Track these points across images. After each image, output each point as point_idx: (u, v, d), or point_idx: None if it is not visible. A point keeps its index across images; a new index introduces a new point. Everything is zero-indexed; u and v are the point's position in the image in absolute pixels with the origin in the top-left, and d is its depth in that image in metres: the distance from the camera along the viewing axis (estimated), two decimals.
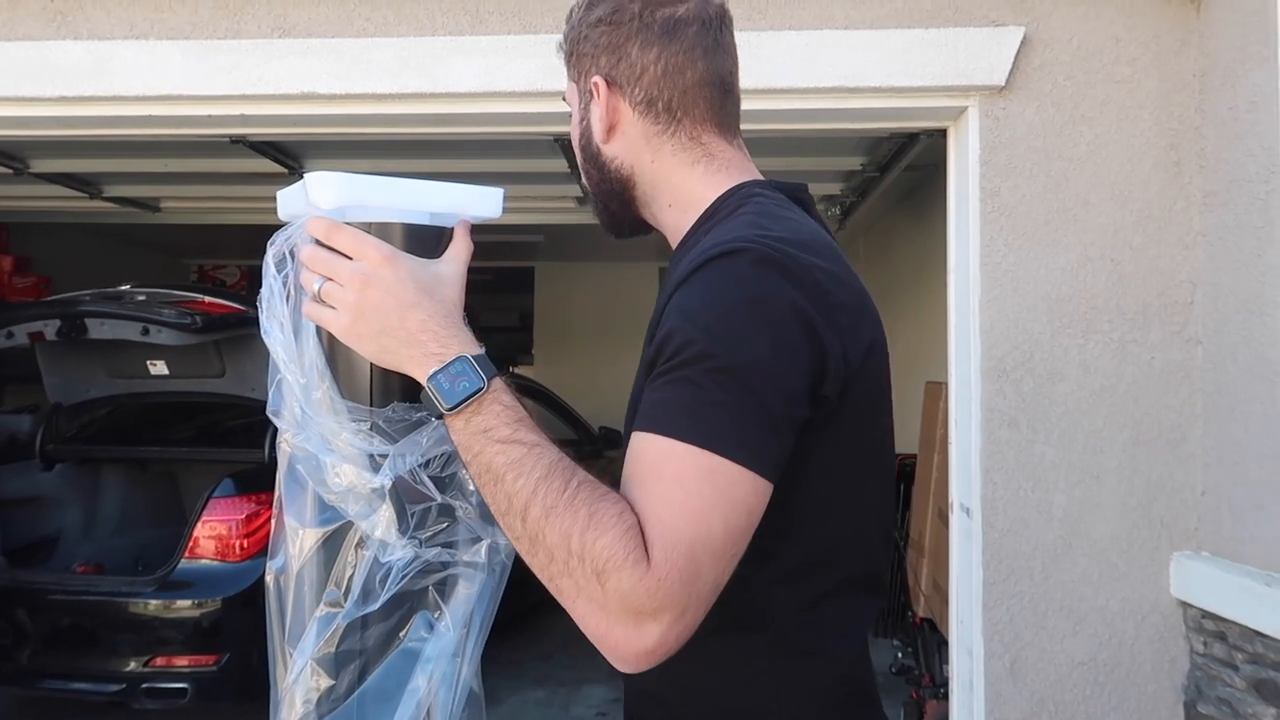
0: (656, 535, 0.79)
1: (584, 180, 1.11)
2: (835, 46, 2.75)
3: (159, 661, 3.28)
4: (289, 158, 4.14)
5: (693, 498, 0.80)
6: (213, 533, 3.35)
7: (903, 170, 4.35)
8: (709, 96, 1.03)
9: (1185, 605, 2.69)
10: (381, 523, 0.85)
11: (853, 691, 1.00)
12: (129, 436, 4.23)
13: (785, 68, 2.71)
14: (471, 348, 0.86)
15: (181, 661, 3.28)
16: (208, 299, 3.79)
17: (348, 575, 0.86)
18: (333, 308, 0.87)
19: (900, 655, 4.41)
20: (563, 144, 3.80)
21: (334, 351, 0.90)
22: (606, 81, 1.02)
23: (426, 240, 0.91)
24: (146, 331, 3.47)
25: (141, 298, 3.72)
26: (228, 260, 8.68)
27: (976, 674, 2.77)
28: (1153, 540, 2.72)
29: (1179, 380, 2.73)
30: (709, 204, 1.02)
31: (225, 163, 4.22)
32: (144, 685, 3.26)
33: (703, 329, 0.83)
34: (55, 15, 2.88)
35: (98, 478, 4.18)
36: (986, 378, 2.76)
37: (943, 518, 3.59)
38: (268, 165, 4.13)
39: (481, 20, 2.84)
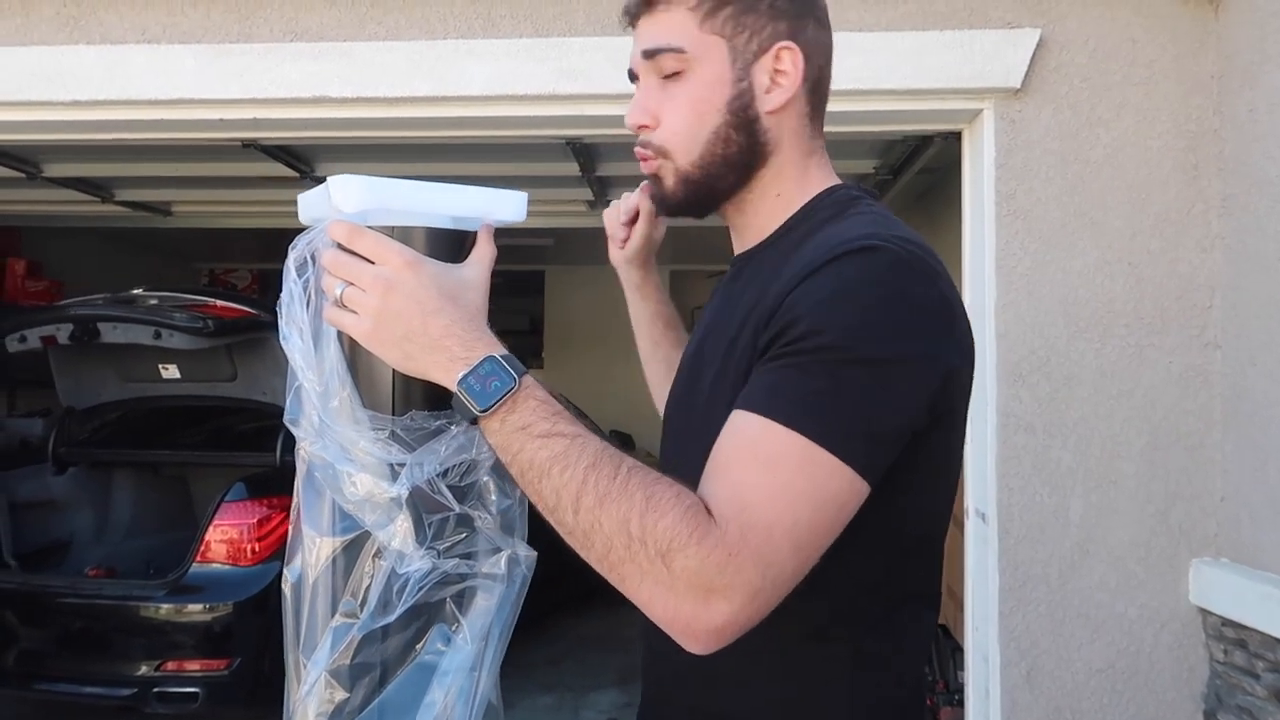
0: (735, 513, 0.78)
1: (703, 146, 0.99)
2: (849, 48, 2.71)
3: (170, 666, 3.27)
4: (300, 162, 4.14)
5: (783, 484, 0.79)
6: (224, 537, 3.35)
7: (916, 173, 4.33)
8: (827, 93, 1.06)
9: (1205, 612, 2.66)
10: (399, 533, 0.83)
11: (917, 706, 1.01)
12: (141, 440, 4.24)
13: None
14: (497, 349, 0.85)
15: (193, 666, 3.27)
16: (219, 303, 3.79)
17: (365, 586, 0.84)
18: (355, 313, 0.85)
19: None
20: (574, 147, 3.80)
21: (355, 357, 0.88)
22: (801, 50, 0.99)
23: (449, 244, 0.90)
24: (159, 335, 3.47)
25: (154, 301, 3.73)
26: (239, 264, 8.69)
27: (992, 681, 2.74)
28: (1171, 547, 2.69)
29: (1198, 385, 2.71)
30: (806, 200, 1.02)
31: (237, 167, 4.23)
32: (155, 689, 3.25)
33: (831, 320, 0.82)
34: (68, 20, 2.89)
35: (109, 481, 4.19)
36: (1003, 382, 2.74)
37: (958, 523, 3.56)
38: (279, 169, 4.13)
39: (494, 24, 2.83)
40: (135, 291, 3.84)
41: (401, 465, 0.83)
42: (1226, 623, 2.57)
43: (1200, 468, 2.69)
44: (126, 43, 2.87)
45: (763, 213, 1.03)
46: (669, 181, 1.01)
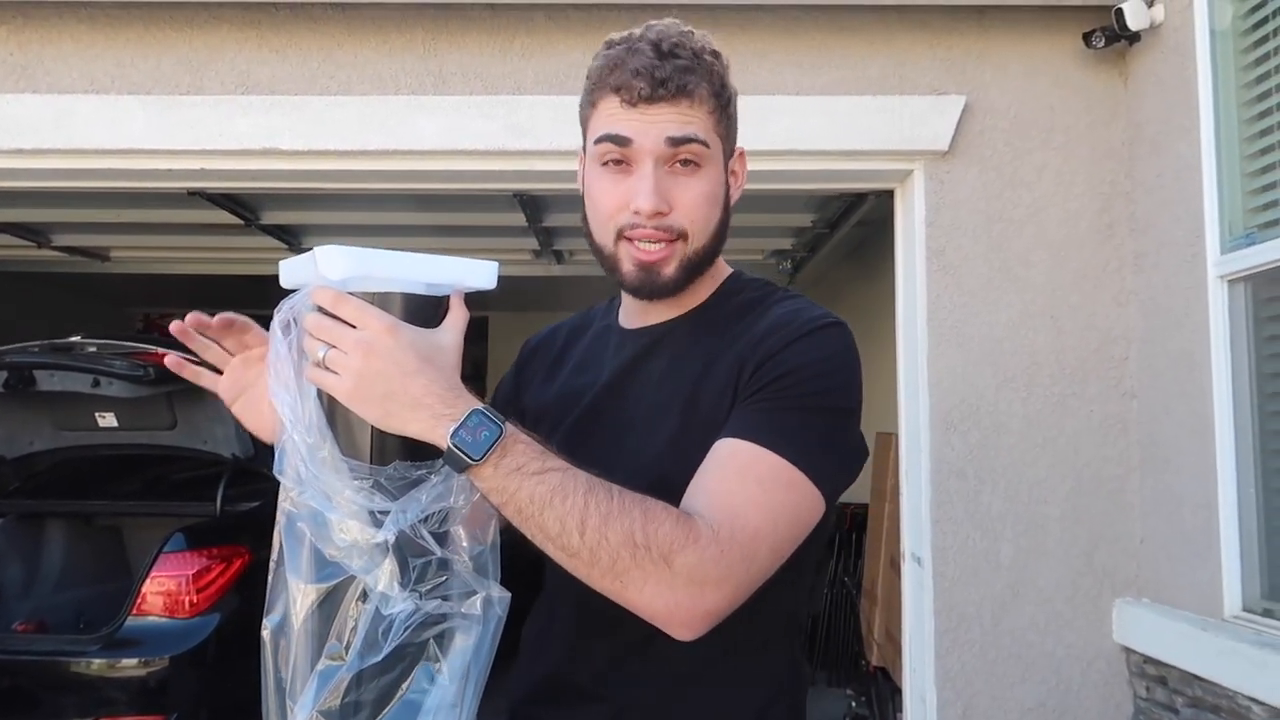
0: (726, 519, 0.92)
1: (707, 235, 1.07)
2: (786, 111, 2.87)
3: None
4: (245, 209, 4.15)
5: (770, 498, 0.95)
6: (161, 588, 3.28)
7: (852, 226, 4.49)
8: None
9: (1128, 650, 2.78)
10: (384, 576, 0.88)
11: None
12: (74, 490, 4.13)
13: (739, 131, 2.80)
14: (476, 402, 0.92)
15: None
16: (160, 350, 3.74)
17: (349, 628, 0.88)
18: (336, 373, 0.90)
19: (854, 704, 4.44)
20: (521, 199, 3.87)
21: (334, 413, 0.93)
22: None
23: (424, 309, 0.95)
24: (98, 383, 3.42)
25: (93, 349, 3.67)
26: (174, 309, 8.52)
27: None
28: (1096, 587, 2.82)
29: (1117, 433, 2.85)
30: (721, 282, 1.16)
31: (180, 214, 4.21)
32: None
33: (816, 375, 1.01)
34: (15, 68, 2.89)
35: (40, 533, 4.06)
36: (935, 429, 2.85)
37: (895, 567, 3.65)
38: (224, 216, 4.14)
39: (444, 81, 2.91)
40: (74, 339, 3.78)
41: (384, 513, 0.88)
42: (1148, 660, 2.68)
43: (1121, 511, 2.83)
44: (75, 92, 2.89)
45: (696, 291, 1.14)
46: (671, 267, 1.07)
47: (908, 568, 2.98)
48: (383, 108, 2.89)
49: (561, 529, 0.88)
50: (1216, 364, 2.47)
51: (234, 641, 3.29)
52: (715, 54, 1.07)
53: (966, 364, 2.87)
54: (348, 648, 0.88)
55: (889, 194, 3.19)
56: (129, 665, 3.24)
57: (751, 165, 3.06)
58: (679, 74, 1.02)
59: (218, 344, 1.08)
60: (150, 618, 3.27)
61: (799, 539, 0.98)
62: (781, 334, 1.04)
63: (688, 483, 0.97)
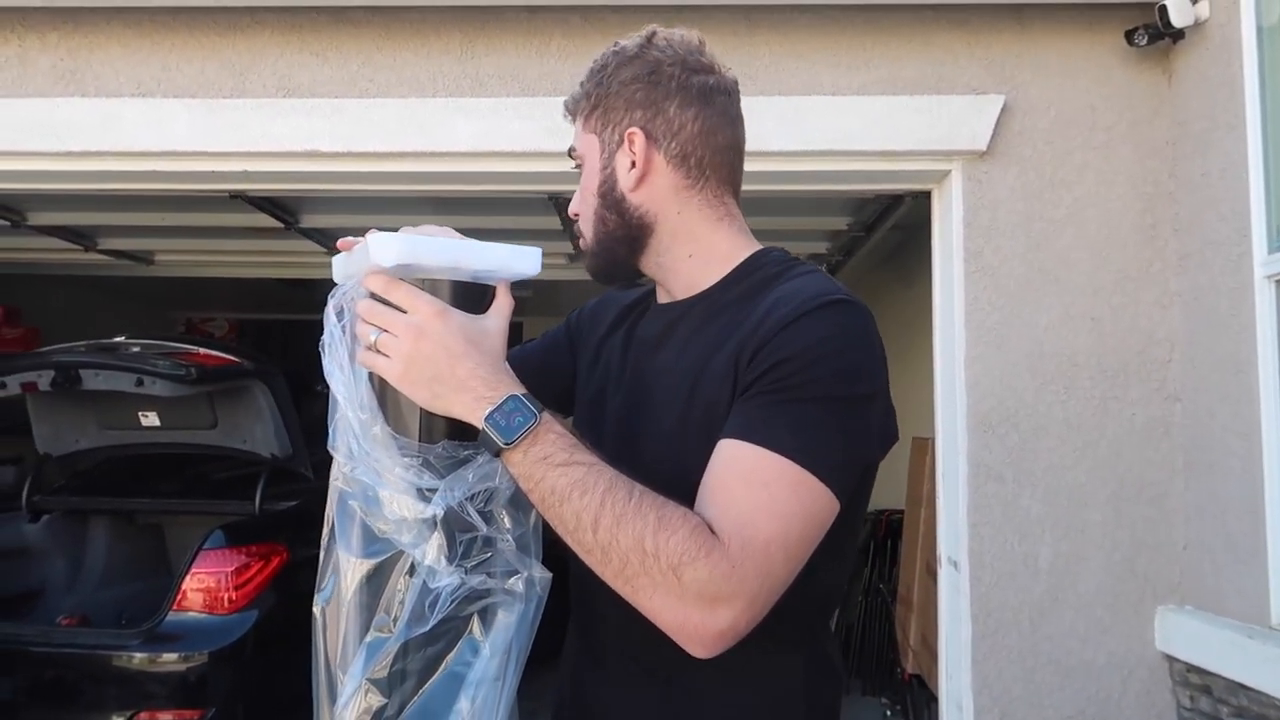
0: (736, 530, 0.89)
1: (591, 227, 1.14)
2: (823, 112, 2.86)
3: (144, 716, 3.21)
4: (286, 213, 4.21)
5: (778, 503, 0.90)
6: (201, 585, 3.33)
7: (888, 230, 4.46)
8: (731, 161, 1.13)
9: (1171, 659, 2.72)
10: (431, 550, 0.90)
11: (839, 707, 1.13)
12: (117, 488, 4.21)
13: (776, 131, 2.81)
14: (518, 388, 0.94)
15: (166, 716, 3.22)
16: (202, 350, 3.80)
17: (397, 601, 0.91)
18: (387, 356, 0.94)
19: (889, 713, 4.39)
20: (556, 202, 3.89)
21: (384, 395, 0.96)
22: (644, 133, 1.09)
23: (471, 295, 0.99)
24: (141, 382, 3.47)
25: (136, 349, 3.74)
26: (216, 313, 8.70)
27: None
28: (1137, 594, 2.77)
29: (1159, 436, 2.80)
30: (739, 261, 1.11)
31: (222, 217, 4.29)
32: None
33: (813, 362, 0.95)
34: (65, 73, 2.96)
35: (84, 529, 4.15)
36: (972, 432, 2.82)
37: (931, 573, 3.62)
38: (265, 220, 4.20)
39: (481, 83, 2.94)
40: (118, 339, 3.85)
41: (431, 490, 0.91)
42: (1191, 669, 2.63)
43: (1164, 516, 2.78)
44: (122, 95, 2.95)
45: (683, 272, 1.13)
46: (586, 258, 1.17)
47: (944, 572, 2.95)
48: (420, 110, 2.92)
49: (577, 524, 0.89)
50: (1264, 366, 2.42)
51: (271, 638, 3.33)
52: (619, 50, 1.12)
53: (1005, 366, 2.84)
54: (395, 620, 0.91)
55: (925, 197, 3.16)
56: (169, 660, 3.29)
57: (788, 166, 3.04)
58: (568, 99, 1.17)
59: None
60: (190, 613, 3.32)
61: (815, 540, 0.94)
62: (777, 316, 0.98)
63: (694, 471, 0.96)
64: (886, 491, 4.75)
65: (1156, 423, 2.81)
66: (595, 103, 1.12)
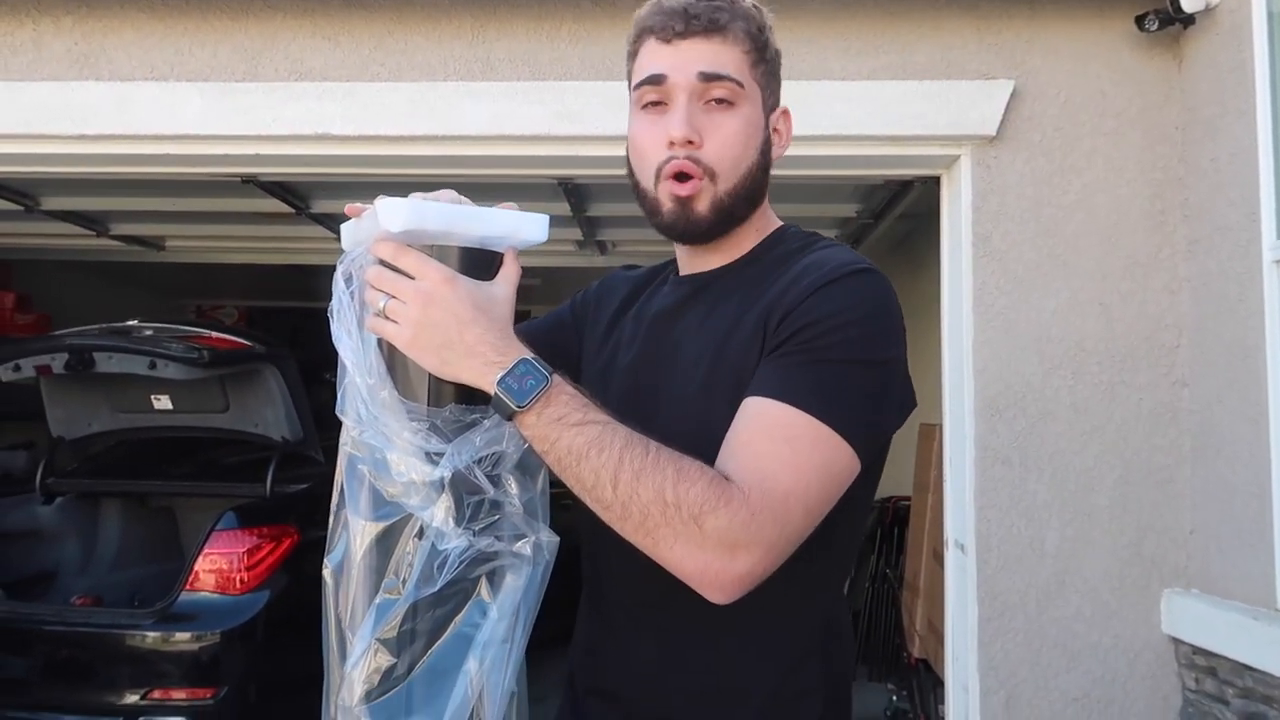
0: (757, 481, 0.91)
1: (738, 177, 1.07)
2: (832, 97, 2.86)
3: (157, 694, 3.26)
4: (296, 198, 4.23)
5: (800, 457, 0.93)
6: (214, 566, 3.36)
7: (896, 218, 4.47)
8: None
9: (1177, 642, 2.74)
10: (440, 513, 0.91)
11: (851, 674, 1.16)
12: (130, 471, 4.25)
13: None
14: (527, 352, 0.94)
15: (179, 694, 3.26)
16: (214, 334, 3.83)
17: (406, 563, 0.93)
18: (396, 323, 0.95)
19: (895, 699, 4.42)
20: (566, 188, 3.91)
21: (393, 361, 0.97)
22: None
23: (479, 262, 1.00)
24: (154, 365, 3.50)
25: (149, 332, 3.77)
26: (225, 300, 8.73)
27: (972, 710, 2.80)
28: (1144, 578, 2.78)
29: (1167, 421, 2.81)
30: (768, 234, 1.16)
31: (233, 202, 4.31)
32: (141, 718, 3.24)
33: (842, 325, 0.98)
34: (79, 57, 2.98)
35: (97, 512, 4.18)
36: (980, 416, 2.83)
37: (937, 558, 3.63)
38: (275, 205, 4.22)
39: (492, 67, 2.95)
40: (130, 323, 3.88)
41: (439, 454, 0.92)
42: (1197, 651, 2.65)
43: (1170, 501, 2.79)
44: (135, 79, 2.96)
45: (742, 241, 1.14)
46: (702, 205, 1.07)
47: (951, 555, 2.97)
48: (431, 94, 2.93)
49: (596, 481, 0.90)
50: (1271, 351, 2.42)
51: (283, 618, 3.36)
52: (756, 6, 1.10)
53: (1013, 350, 2.85)
54: (404, 582, 0.92)
55: (934, 185, 3.17)
56: (182, 639, 3.33)
57: (798, 151, 3.05)
58: (711, 10, 1.05)
59: None
60: (202, 594, 3.36)
61: (834, 497, 0.97)
62: (807, 282, 1.01)
63: (718, 432, 0.97)
64: (893, 478, 4.77)
65: (1164, 408, 2.82)
66: (762, 56, 1.09)
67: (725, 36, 1.06)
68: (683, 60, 1.06)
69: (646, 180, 1.09)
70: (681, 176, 1.06)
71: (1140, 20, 2.78)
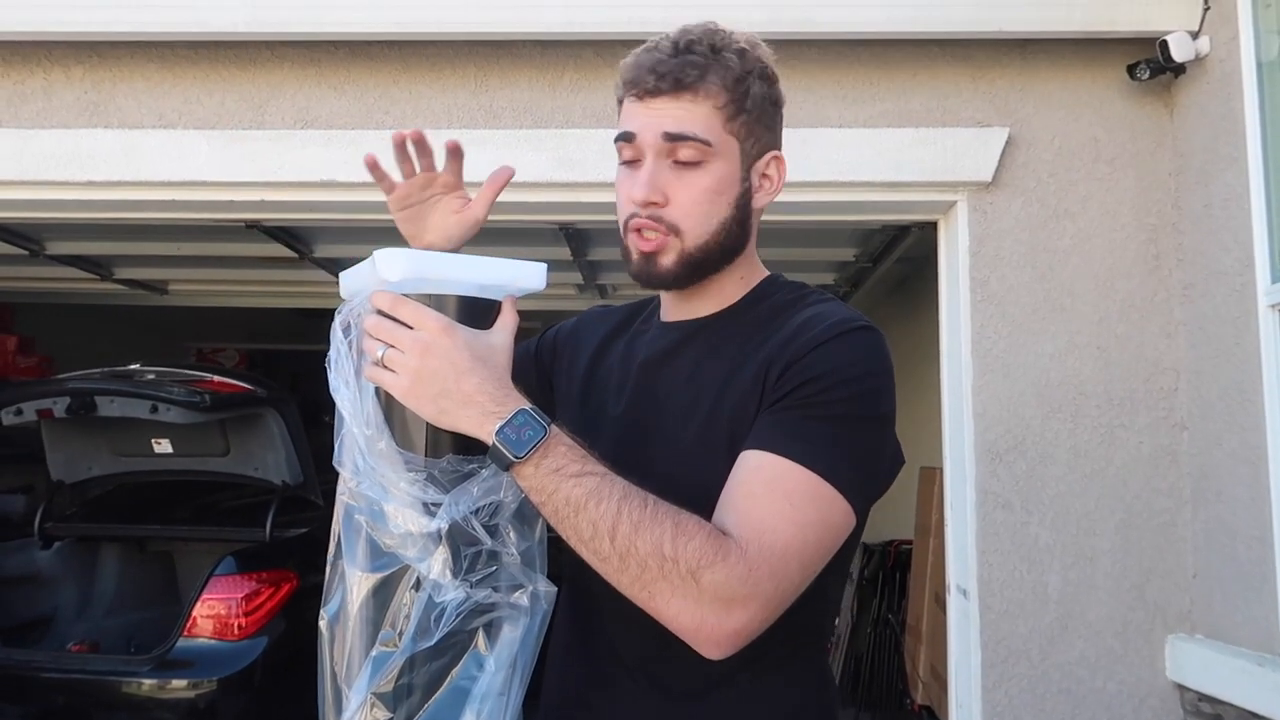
0: (755, 536, 0.91)
1: (708, 231, 1.08)
2: (829, 144, 2.91)
3: None
4: (300, 242, 4.27)
5: (797, 512, 0.93)
6: (212, 611, 3.34)
7: (894, 262, 4.50)
8: None
9: (1182, 688, 2.72)
10: (437, 564, 0.91)
11: None
12: (128, 515, 4.24)
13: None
14: (525, 403, 0.94)
15: None
16: (216, 378, 3.85)
17: (403, 615, 0.92)
18: (394, 372, 0.95)
19: None
20: (566, 232, 3.95)
21: (391, 410, 0.97)
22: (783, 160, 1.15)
23: (477, 311, 1.00)
24: (155, 409, 3.51)
25: (151, 376, 3.78)
26: (227, 343, 8.76)
27: None
28: (1147, 622, 2.77)
29: (1167, 464, 2.82)
30: (757, 283, 1.16)
31: (237, 247, 4.35)
32: None
33: (843, 382, 0.99)
34: (89, 105, 3.03)
35: (95, 556, 4.16)
36: (980, 460, 2.83)
37: (939, 603, 3.61)
38: (279, 250, 4.26)
39: (495, 115, 2.99)
40: (132, 366, 3.89)
41: (436, 504, 0.91)
42: (1203, 698, 2.62)
43: (1172, 545, 2.78)
44: (144, 127, 3.01)
45: (726, 289, 1.14)
46: (667, 259, 1.08)
47: (953, 600, 2.95)
48: (435, 142, 2.96)
49: (594, 533, 0.90)
50: (1269, 394, 2.44)
51: (281, 664, 3.34)
52: (741, 52, 1.07)
53: (1012, 394, 2.86)
54: (401, 634, 0.91)
55: (931, 229, 3.20)
56: (179, 686, 3.30)
57: (796, 197, 3.09)
58: (682, 68, 1.04)
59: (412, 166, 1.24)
60: (200, 640, 3.33)
61: (830, 553, 0.97)
62: (808, 337, 1.02)
63: (712, 483, 0.97)
64: (894, 522, 4.75)
65: (1164, 451, 2.82)
66: (741, 108, 1.07)
67: (696, 94, 1.05)
68: (652, 119, 1.06)
69: (622, 232, 1.11)
70: (646, 232, 1.07)
71: (1132, 69, 2.84)
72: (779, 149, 1.13)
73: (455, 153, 1.24)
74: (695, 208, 1.07)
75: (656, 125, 1.06)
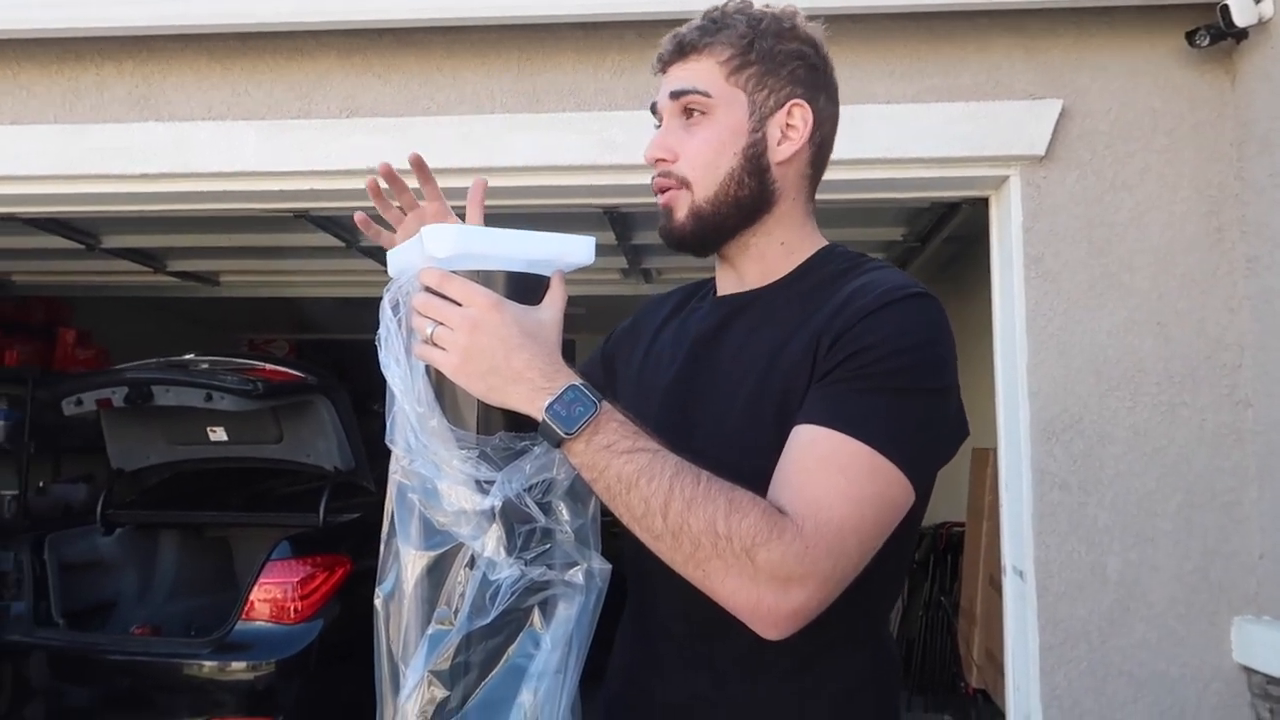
0: (811, 512, 0.89)
1: (717, 185, 1.08)
2: (878, 119, 2.86)
3: None
4: (347, 232, 4.31)
5: (854, 487, 0.91)
6: (268, 595, 3.40)
7: (943, 241, 4.43)
8: (826, 163, 1.17)
9: (1249, 671, 2.65)
10: (491, 542, 0.90)
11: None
12: (186, 502, 4.33)
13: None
14: (576, 379, 0.94)
15: None
16: (268, 366, 3.91)
17: (457, 593, 0.91)
18: (444, 349, 0.94)
19: None
20: (610, 216, 3.93)
21: (441, 388, 0.97)
22: (813, 111, 1.11)
23: (525, 286, 1.00)
24: (210, 398, 3.58)
25: (205, 365, 3.85)
26: (277, 334, 8.90)
27: None
28: (1212, 604, 2.70)
29: (1231, 443, 2.74)
30: (810, 254, 1.13)
31: (286, 237, 4.40)
32: None
33: (897, 351, 0.96)
34: (140, 99, 3.07)
35: (155, 543, 4.27)
36: (1036, 440, 2.78)
37: (994, 585, 3.56)
38: (327, 239, 4.30)
39: (538, 99, 2.99)
40: (187, 356, 3.97)
41: (489, 482, 0.91)
42: (1271, 680, 2.55)
43: (1237, 525, 2.71)
44: (193, 119, 3.05)
45: (768, 257, 1.12)
46: (680, 213, 1.10)
47: (1009, 581, 2.90)
48: (479, 127, 2.97)
49: (646, 510, 0.88)
50: None
51: (336, 647, 3.39)
52: (754, 15, 1.09)
53: (1068, 373, 2.79)
54: (456, 612, 0.91)
55: (981, 206, 3.14)
56: (238, 669, 3.37)
57: (844, 175, 3.04)
58: (690, 33, 1.10)
59: (397, 208, 1.30)
60: (257, 623, 3.40)
61: (889, 528, 0.95)
62: (858, 306, 0.99)
63: (763, 457, 0.96)
64: (946, 504, 4.69)
65: (1227, 429, 2.74)
66: (751, 60, 1.08)
67: (700, 53, 1.09)
68: (665, 85, 1.12)
69: None
70: (659, 191, 1.12)
71: (1191, 36, 2.74)
72: (806, 99, 1.10)
73: (419, 165, 1.29)
74: (699, 158, 1.09)
75: (667, 89, 1.12)
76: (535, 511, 0.91)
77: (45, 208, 3.43)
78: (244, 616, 3.39)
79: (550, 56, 2.98)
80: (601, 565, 0.96)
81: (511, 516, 0.92)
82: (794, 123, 1.10)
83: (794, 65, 1.09)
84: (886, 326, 0.97)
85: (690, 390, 1.11)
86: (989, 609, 3.81)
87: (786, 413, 0.98)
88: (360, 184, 3.13)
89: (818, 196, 1.18)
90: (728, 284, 1.17)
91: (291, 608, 3.41)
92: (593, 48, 2.97)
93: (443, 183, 3.20)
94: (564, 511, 0.95)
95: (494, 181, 3.03)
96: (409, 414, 0.93)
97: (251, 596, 3.42)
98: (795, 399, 0.99)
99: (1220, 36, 2.70)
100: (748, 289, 1.14)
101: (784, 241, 1.13)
